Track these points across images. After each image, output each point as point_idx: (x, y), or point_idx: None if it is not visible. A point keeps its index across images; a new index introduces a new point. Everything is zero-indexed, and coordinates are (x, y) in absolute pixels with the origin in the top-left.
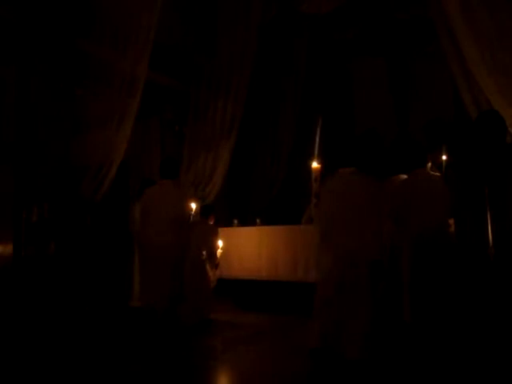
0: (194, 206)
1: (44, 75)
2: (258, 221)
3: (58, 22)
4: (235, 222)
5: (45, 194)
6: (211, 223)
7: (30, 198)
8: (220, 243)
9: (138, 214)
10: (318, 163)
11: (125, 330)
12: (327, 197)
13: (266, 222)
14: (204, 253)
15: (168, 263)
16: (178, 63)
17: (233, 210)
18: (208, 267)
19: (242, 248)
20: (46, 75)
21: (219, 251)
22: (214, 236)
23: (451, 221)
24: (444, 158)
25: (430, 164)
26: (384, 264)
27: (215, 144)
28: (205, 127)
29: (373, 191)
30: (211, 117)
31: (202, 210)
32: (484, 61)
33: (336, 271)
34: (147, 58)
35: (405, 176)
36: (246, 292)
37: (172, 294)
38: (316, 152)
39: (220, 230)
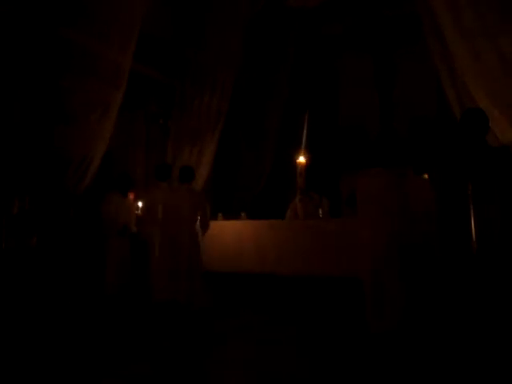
0: None
1: (27, 64)
2: (242, 215)
3: (41, 10)
4: (220, 215)
5: (26, 186)
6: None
7: (11, 190)
8: None
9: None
10: (304, 158)
11: (108, 320)
12: (363, 195)
13: (251, 215)
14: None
15: None
16: (164, 56)
17: (217, 203)
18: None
19: (226, 241)
20: (29, 64)
21: None
22: (205, 199)
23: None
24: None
25: None
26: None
27: (200, 137)
28: (190, 121)
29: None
30: (196, 110)
31: (183, 174)
32: (470, 60)
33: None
34: (133, 49)
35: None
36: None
37: None
38: (302, 147)
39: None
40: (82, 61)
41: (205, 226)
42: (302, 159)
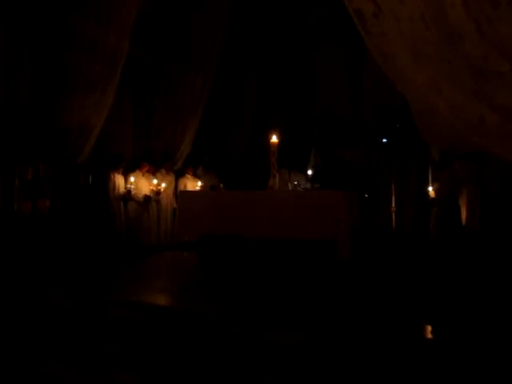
0: None
1: (33, 44)
2: (221, 185)
3: None
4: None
5: (39, 154)
6: None
7: (24, 158)
8: None
9: None
10: (277, 138)
11: None
12: None
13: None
14: None
15: None
16: (152, 36)
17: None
18: None
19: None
20: (35, 44)
21: None
22: None
23: None
24: None
25: None
26: None
27: (184, 114)
28: (175, 99)
29: None
30: (181, 89)
31: None
32: None
33: None
34: (129, 34)
35: None
36: None
37: None
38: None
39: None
40: (83, 42)
41: None
42: (274, 139)
